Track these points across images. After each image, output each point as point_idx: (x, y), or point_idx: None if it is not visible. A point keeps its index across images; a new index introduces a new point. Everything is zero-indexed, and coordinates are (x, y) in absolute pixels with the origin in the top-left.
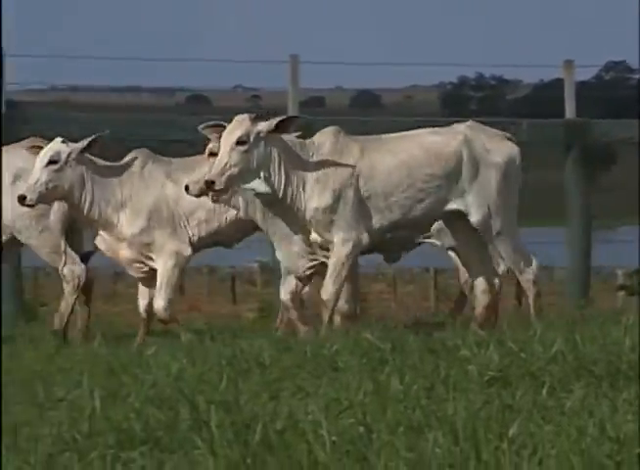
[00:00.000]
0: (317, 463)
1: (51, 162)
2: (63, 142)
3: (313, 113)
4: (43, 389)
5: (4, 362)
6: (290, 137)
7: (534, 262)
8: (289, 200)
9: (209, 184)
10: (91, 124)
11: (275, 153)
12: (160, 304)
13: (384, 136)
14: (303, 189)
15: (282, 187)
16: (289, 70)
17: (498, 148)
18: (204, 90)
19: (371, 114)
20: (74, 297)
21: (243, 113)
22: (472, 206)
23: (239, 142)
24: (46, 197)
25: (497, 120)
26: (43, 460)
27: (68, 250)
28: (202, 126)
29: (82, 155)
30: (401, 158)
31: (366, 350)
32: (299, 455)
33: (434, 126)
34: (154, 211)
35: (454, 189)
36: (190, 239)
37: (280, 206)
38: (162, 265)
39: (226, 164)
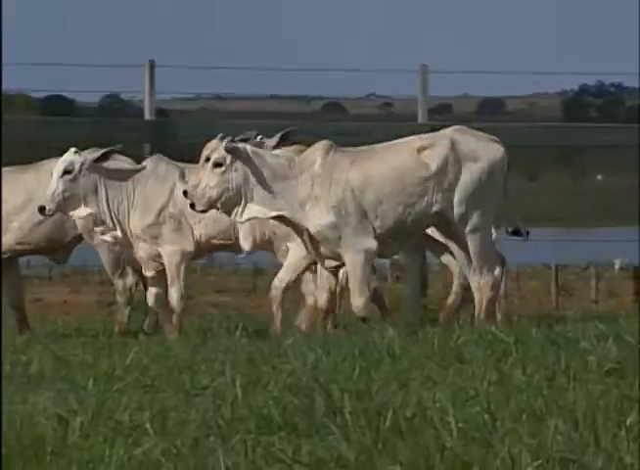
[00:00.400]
0: (444, 448)
1: (65, 172)
2: (75, 152)
3: (441, 119)
4: (189, 377)
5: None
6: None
7: (498, 269)
8: (287, 214)
9: (192, 206)
10: (234, 130)
11: (257, 176)
12: (175, 297)
13: (376, 146)
14: (300, 206)
15: (270, 206)
16: (419, 78)
17: (483, 149)
18: (339, 98)
19: (496, 120)
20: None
21: (376, 119)
22: (454, 203)
23: (215, 165)
24: (64, 206)
25: (616, 126)
26: (189, 443)
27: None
28: None
29: (96, 164)
30: (392, 165)
31: (491, 342)
32: (427, 441)
33: (555, 132)
34: (163, 209)
35: (441, 190)
36: (196, 238)
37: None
38: (168, 261)
39: (205, 186)
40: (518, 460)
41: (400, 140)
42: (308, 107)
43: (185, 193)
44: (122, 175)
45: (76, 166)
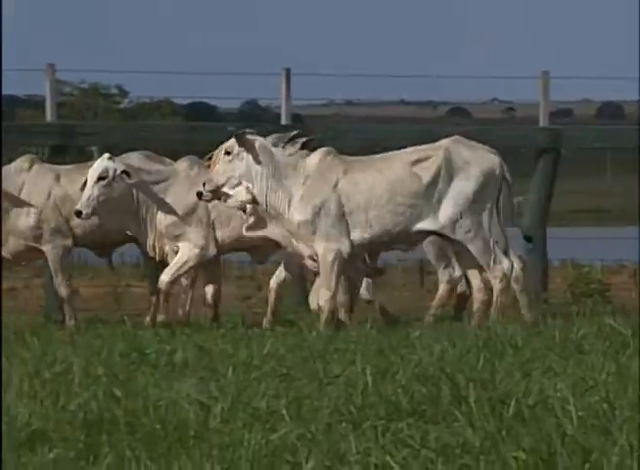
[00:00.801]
0: (565, 436)
1: (100, 178)
2: (109, 159)
3: (562, 122)
4: (323, 367)
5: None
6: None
7: (506, 262)
8: (273, 212)
9: (199, 195)
10: (364, 134)
11: (259, 168)
12: (164, 279)
13: (375, 156)
14: (289, 205)
15: (264, 199)
16: (540, 84)
17: (477, 159)
18: (463, 103)
19: (614, 123)
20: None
21: (499, 123)
22: (441, 209)
23: (225, 153)
24: (99, 210)
25: None
26: (323, 429)
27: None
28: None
29: (132, 168)
30: (383, 174)
31: (609, 334)
32: (549, 428)
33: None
34: (190, 210)
35: (431, 200)
36: (217, 240)
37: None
38: (183, 251)
39: (213, 178)
40: (636, 447)
41: (398, 151)
42: (435, 112)
43: (200, 194)
44: (157, 177)
45: (110, 173)
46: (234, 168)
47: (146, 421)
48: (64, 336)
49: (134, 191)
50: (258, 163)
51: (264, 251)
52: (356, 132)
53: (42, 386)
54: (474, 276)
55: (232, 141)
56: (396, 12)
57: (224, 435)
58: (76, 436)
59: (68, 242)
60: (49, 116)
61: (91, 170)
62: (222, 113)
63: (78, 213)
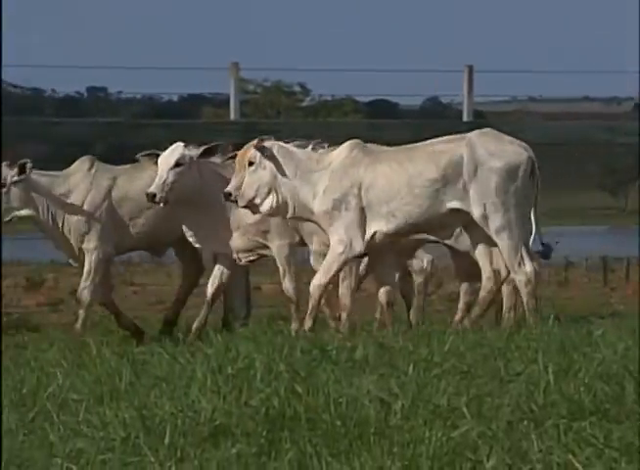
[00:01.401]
0: None
1: (177, 164)
2: (185, 146)
3: None
4: (503, 364)
5: None
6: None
7: (529, 264)
8: (297, 210)
9: (227, 195)
10: (547, 132)
11: (283, 170)
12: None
13: (402, 147)
14: (314, 198)
15: (294, 199)
16: None
17: (502, 152)
18: None
19: None
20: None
21: None
22: (471, 203)
23: (249, 163)
24: (171, 196)
25: None
26: (504, 427)
27: None
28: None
29: (200, 158)
30: (404, 166)
31: None
32: None
33: None
34: None
35: (453, 190)
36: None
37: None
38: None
39: (238, 185)
40: None
41: (422, 143)
42: (620, 108)
43: (228, 195)
44: (228, 170)
45: (187, 159)
46: (260, 178)
47: (326, 417)
48: (245, 332)
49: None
50: (281, 166)
51: None
52: (539, 129)
53: (225, 382)
54: (485, 263)
55: (253, 151)
56: (582, 8)
57: (405, 432)
58: (258, 431)
59: (109, 248)
60: (233, 114)
61: (164, 156)
62: (403, 110)
63: (152, 196)
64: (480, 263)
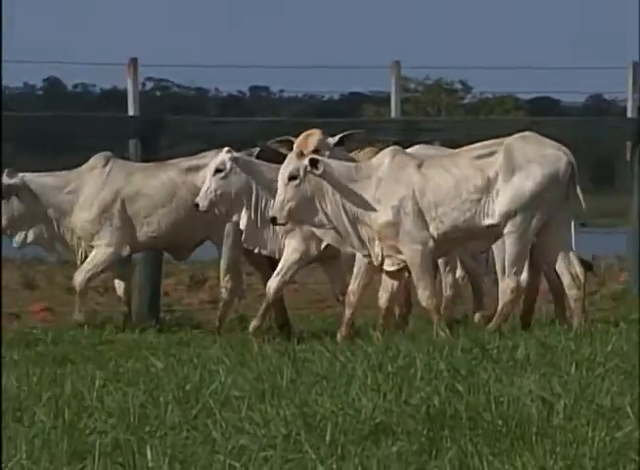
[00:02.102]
0: None
1: (217, 170)
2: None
3: None
4: None
5: None
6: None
7: (524, 275)
8: (351, 219)
9: (273, 220)
10: None
11: (326, 183)
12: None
13: (443, 153)
14: (365, 208)
15: (340, 210)
16: None
17: (541, 157)
18: None
19: None
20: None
21: None
22: (497, 204)
23: (290, 178)
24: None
25: None
26: None
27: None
28: (270, 142)
29: (247, 162)
30: (451, 172)
31: None
32: None
33: None
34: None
35: (492, 195)
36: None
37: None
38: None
39: (283, 200)
40: None
41: (464, 147)
42: None
43: (273, 219)
44: (273, 174)
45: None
46: (305, 191)
47: (488, 416)
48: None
49: (253, 186)
50: (334, 180)
51: None
52: None
53: (385, 380)
54: (565, 272)
55: (294, 165)
56: None
57: (567, 432)
58: (419, 430)
59: (123, 246)
60: (394, 112)
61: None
62: (566, 107)
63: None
64: (560, 271)
